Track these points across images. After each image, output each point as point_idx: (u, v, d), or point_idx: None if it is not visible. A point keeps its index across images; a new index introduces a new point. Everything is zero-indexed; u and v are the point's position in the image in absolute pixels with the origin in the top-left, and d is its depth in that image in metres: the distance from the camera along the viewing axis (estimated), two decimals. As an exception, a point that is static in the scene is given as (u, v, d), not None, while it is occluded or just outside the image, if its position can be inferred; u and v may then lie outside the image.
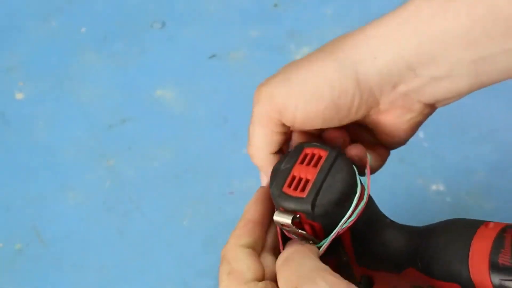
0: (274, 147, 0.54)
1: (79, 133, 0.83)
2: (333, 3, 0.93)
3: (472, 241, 0.49)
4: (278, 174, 0.51)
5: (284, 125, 0.53)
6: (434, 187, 0.77)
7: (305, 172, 0.50)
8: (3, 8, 0.94)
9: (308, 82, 0.52)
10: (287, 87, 0.53)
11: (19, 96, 0.86)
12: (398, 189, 0.74)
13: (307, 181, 0.50)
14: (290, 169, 0.51)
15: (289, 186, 0.50)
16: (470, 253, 0.49)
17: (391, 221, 0.54)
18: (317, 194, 0.49)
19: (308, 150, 0.51)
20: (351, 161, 0.52)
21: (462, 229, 0.51)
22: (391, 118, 0.54)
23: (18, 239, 0.75)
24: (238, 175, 0.77)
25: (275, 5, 0.93)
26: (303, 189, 0.49)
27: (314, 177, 0.50)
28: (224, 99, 0.85)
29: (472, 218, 0.75)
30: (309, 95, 0.51)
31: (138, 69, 0.88)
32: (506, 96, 0.84)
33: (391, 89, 0.52)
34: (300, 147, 0.52)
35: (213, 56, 0.89)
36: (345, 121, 0.53)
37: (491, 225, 0.50)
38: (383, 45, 0.52)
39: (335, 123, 0.53)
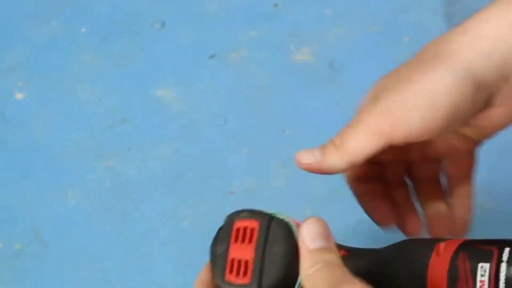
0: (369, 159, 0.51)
1: (79, 133, 0.83)
2: (333, 3, 0.92)
3: (428, 276, 0.48)
4: (216, 261, 0.50)
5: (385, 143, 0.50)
6: (434, 187, 0.77)
7: (242, 252, 0.49)
8: (3, 8, 0.94)
9: (424, 93, 0.50)
10: (403, 101, 0.50)
11: (19, 96, 0.86)
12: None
13: (246, 262, 0.48)
14: (226, 252, 0.50)
15: (231, 272, 0.48)
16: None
17: (349, 253, 0.51)
18: (260, 275, 0.47)
19: (239, 224, 0.50)
20: (284, 222, 0.49)
21: (416, 263, 0.49)
22: (501, 115, 0.53)
23: (18, 239, 0.75)
24: (238, 175, 0.77)
25: (275, 5, 0.93)
26: (245, 273, 0.48)
27: (253, 255, 0.48)
28: (224, 99, 0.85)
29: (474, 219, 0.76)
30: (427, 106, 0.50)
31: (138, 69, 0.88)
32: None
33: (506, 82, 0.51)
34: (230, 222, 0.51)
35: (213, 56, 0.89)
36: (459, 126, 0.52)
37: (441, 249, 0.49)
38: (495, 43, 0.50)
39: (452, 128, 0.52)
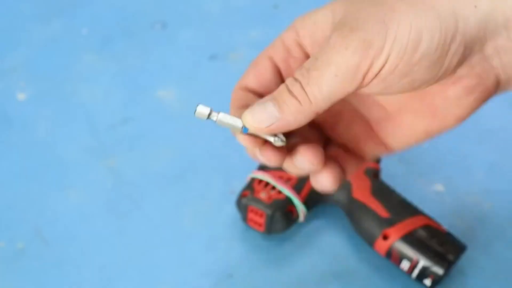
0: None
1: (81, 134, 0.83)
2: (333, 4, 0.93)
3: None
4: None
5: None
6: (433, 187, 0.78)
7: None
8: (5, 10, 0.94)
9: (406, 29, 0.44)
10: (383, 34, 0.44)
11: (21, 96, 0.86)
12: (397, 189, 0.74)
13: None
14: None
15: None
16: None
17: None
18: None
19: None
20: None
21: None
22: (452, 94, 0.49)
23: (20, 239, 0.75)
24: (238, 175, 0.77)
25: (275, 6, 0.93)
26: None
27: None
28: (225, 99, 0.85)
29: (472, 218, 0.76)
30: (406, 44, 0.44)
31: (139, 70, 0.88)
32: (505, 95, 0.84)
33: (480, 48, 0.47)
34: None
35: (214, 57, 0.89)
36: (423, 86, 0.47)
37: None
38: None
39: (415, 86, 0.46)
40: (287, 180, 0.73)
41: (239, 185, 0.74)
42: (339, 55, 0.44)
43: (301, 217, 0.73)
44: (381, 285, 0.71)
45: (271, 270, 0.73)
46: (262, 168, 0.74)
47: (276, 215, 0.71)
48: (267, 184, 0.72)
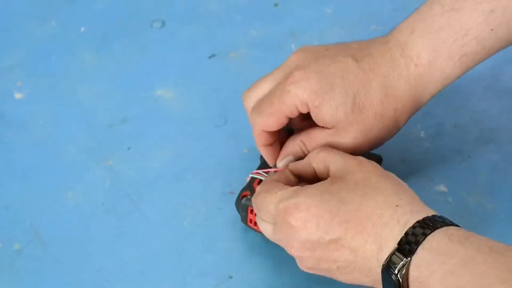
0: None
1: (79, 133, 0.83)
2: (334, 3, 0.92)
3: None
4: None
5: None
6: (435, 187, 0.77)
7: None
8: (2, 8, 0.94)
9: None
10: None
11: (18, 95, 0.86)
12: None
13: None
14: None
15: None
16: None
17: None
18: None
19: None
20: None
21: None
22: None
23: (17, 239, 0.75)
24: (238, 175, 0.77)
25: (275, 5, 0.93)
26: None
27: None
28: (224, 99, 0.85)
29: (475, 219, 0.76)
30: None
31: (138, 69, 0.88)
32: (508, 96, 0.84)
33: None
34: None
35: (213, 55, 0.89)
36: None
37: None
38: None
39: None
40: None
41: (239, 185, 0.74)
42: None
43: None
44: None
45: (271, 271, 0.73)
46: (262, 168, 0.73)
47: None
48: None
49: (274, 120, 0.69)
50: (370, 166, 0.65)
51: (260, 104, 0.70)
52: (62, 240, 0.75)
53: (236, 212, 0.74)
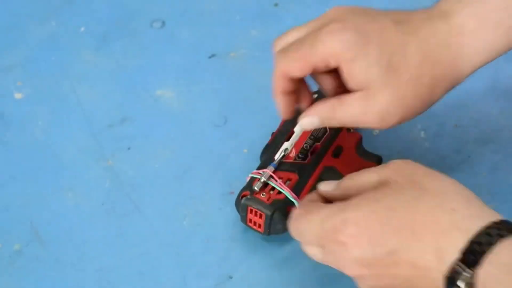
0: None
1: (78, 133, 0.83)
2: (334, 3, 0.92)
3: None
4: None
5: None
6: (435, 187, 0.77)
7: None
8: (2, 8, 0.94)
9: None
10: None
11: (18, 96, 0.86)
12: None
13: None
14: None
15: None
16: None
17: None
18: None
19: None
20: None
21: None
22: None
23: (17, 240, 0.75)
24: (238, 175, 0.77)
25: (276, 5, 0.93)
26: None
27: None
28: (224, 98, 0.85)
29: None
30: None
31: (138, 69, 0.88)
32: (508, 96, 0.84)
33: None
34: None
35: (213, 55, 0.89)
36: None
37: None
38: None
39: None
40: (287, 180, 0.72)
41: (239, 185, 0.74)
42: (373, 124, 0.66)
43: None
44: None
45: (271, 271, 0.73)
46: (262, 168, 0.73)
47: (275, 216, 0.71)
48: (266, 184, 0.72)
49: (299, 65, 0.63)
50: (411, 166, 0.60)
51: (289, 47, 0.65)
52: (62, 240, 0.75)
53: (236, 212, 0.74)
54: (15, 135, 0.83)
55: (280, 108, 0.67)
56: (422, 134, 0.81)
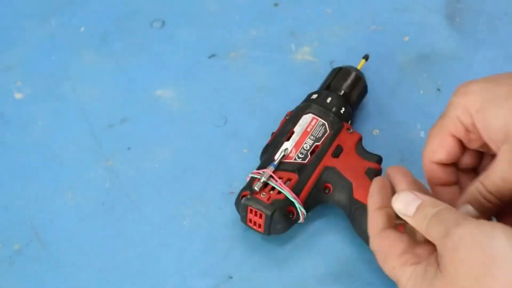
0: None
1: (78, 133, 0.83)
2: (334, 2, 0.92)
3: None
4: None
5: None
6: (435, 187, 0.77)
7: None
8: (2, 8, 0.94)
9: None
10: None
11: (18, 95, 0.86)
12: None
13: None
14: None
15: None
16: None
17: None
18: None
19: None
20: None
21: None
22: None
23: (16, 240, 0.75)
24: (238, 175, 0.77)
25: (276, 5, 0.93)
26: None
27: None
28: (224, 98, 0.85)
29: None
30: None
31: (138, 69, 0.88)
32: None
33: None
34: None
35: (213, 55, 0.89)
36: None
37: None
38: None
39: None
40: (287, 180, 0.72)
41: (239, 185, 0.74)
42: None
43: (301, 218, 0.72)
44: (382, 286, 0.70)
45: (271, 271, 0.73)
46: (262, 168, 0.73)
47: (275, 216, 0.71)
48: (266, 184, 0.72)
49: (438, 142, 0.59)
50: (496, 247, 0.49)
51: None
52: (62, 240, 0.75)
53: (236, 212, 0.74)
54: (15, 135, 0.83)
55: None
56: (422, 134, 0.81)
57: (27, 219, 0.76)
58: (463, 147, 0.60)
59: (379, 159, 0.75)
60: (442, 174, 0.60)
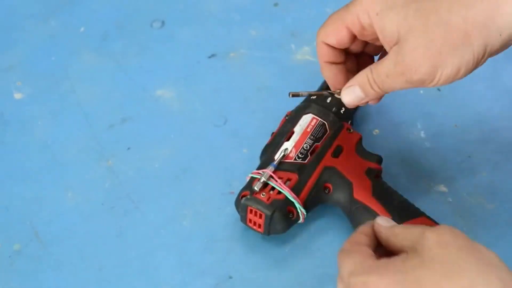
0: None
1: (78, 133, 0.83)
2: (334, 2, 0.92)
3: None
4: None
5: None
6: (435, 187, 0.77)
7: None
8: (2, 8, 0.94)
9: (448, 70, 0.61)
10: (433, 75, 0.62)
11: (17, 96, 0.86)
12: (399, 189, 0.74)
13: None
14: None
15: None
16: None
17: None
18: None
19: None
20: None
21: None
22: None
23: (16, 240, 0.75)
24: (238, 175, 0.77)
25: (275, 4, 0.93)
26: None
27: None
28: (224, 98, 0.85)
29: (475, 219, 0.76)
30: (449, 77, 0.62)
31: (138, 69, 0.88)
32: (508, 95, 0.84)
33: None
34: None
35: (213, 55, 0.89)
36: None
37: None
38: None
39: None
40: (286, 180, 0.72)
41: (239, 185, 0.74)
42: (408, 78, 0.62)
43: (301, 218, 0.72)
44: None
45: (271, 271, 0.73)
46: (262, 168, 0.73)
47: (275, 216, 0.71)
48: (266, 184, 0.72)
49: (334, 29, 0.65)
50: (450, 236, 0.54)
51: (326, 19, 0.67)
52: (62, 240, 0.75)
53: (236, 212, 0.74)
54: (15, 135, 0.83)
55: (328, 79, 0.68)
56: (422, 134, 0.81)
57: (27, 219, 0.76)
58: (354, 37, 0.66)
59: (379, 159, 0.75)
60: (330, 54, 0.67)
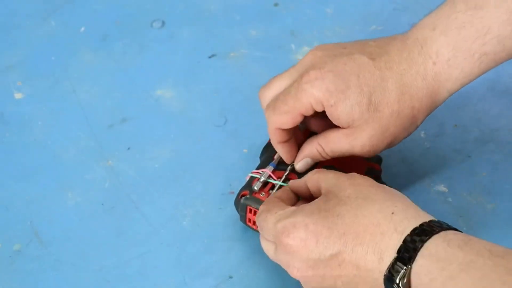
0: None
1: (78, 133, 0.82)
2: (334, 3, 0.92)
3: None
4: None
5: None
6: (435, 187, 0.77)
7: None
8: (2, 7, 0.94)
9: (380, 140, 0.69)
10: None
11: (17, 96, 0.86)
12: (399, 189, 0.74)
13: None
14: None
15: None
16: None
17: None
18: None
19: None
20: None
21: None
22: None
23: (16, 240, 0.75)
24: (238, 175, 0.77)
25: (276, 4, 0.93)
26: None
27: None
28: (224, 98, 0.85)
29: (475, 219, 0.76)
30: (383, 147, 0.70)
31: (138, 69, 0.88)
32: (508, 95, 0.84)
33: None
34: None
35: (213, 55, 0.89)
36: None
37: None
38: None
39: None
40: (286, 180, 0.72)
41: (239, 185, 0.74)
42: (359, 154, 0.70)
43: None
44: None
45: (271, 271, 0.72)
46: (262, 168, 0.73)
47: None
48: (266, 184, 0.72)
49: (288, 118, 0.68)
50: (361, 179, 0.64)
51: (275, 101, 0.69)
52: (62, 240, 0.75)
53: (236, 212, 0.74)
54: (15, 135, 0.83)
55: (283, 155, 0.72)
56: (422, 134, 0.81)
57: (27, 219, 0.76)
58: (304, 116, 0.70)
59: (379, 159, 0.75)
60: (284, 134, 0.70)
